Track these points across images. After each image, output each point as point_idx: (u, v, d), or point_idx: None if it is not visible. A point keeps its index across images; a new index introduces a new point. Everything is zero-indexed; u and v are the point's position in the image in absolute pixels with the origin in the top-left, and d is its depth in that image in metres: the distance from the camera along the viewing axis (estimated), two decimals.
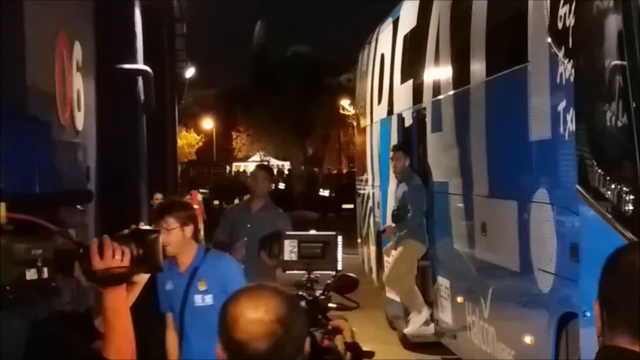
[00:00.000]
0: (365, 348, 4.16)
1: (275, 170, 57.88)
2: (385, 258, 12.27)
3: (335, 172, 58.05)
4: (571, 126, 6.31)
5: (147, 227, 3.19)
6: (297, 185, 51.03)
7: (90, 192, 9.52)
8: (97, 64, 10.89)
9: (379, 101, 14.23)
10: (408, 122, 12.10)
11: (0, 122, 6.30)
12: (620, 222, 5.64)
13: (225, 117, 64.94)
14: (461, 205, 9.46)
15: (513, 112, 7.77)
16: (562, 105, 6.47)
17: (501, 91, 8.23)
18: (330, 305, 4.52)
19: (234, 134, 62.64)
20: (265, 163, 38.59)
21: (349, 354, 3.99)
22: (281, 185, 52.90)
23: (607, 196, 5.78)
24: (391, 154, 11.68)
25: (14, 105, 6.88)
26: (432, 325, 11.00)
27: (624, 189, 5.64)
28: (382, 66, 14.19)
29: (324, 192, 49.38)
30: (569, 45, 6.37)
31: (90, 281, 2.91)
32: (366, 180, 15.56)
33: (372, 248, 14.45)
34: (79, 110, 9.60)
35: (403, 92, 12.41)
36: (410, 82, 11.96)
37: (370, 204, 15.00)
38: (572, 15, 6.32)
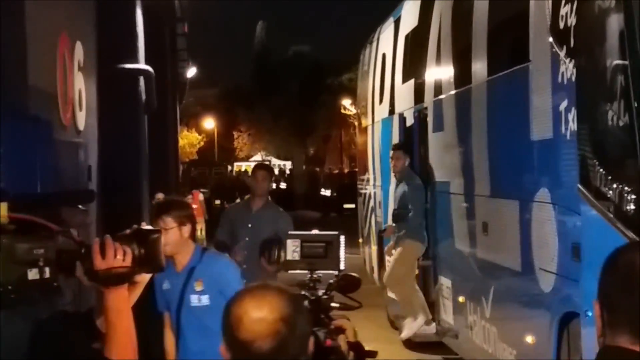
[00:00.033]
0: (367, 348, 4.16)
1: (276, 170, 57.95)
2: (387, 258, 12.28)
3: (336, 171, 58.10)
4: (573, 126, 6.30)
5: (149, 227, 3.19)
6: (298, 185, 51.04)
7: (92, 192, 9.52)
8: (98, 64, 10.88)
9: (381, 101, 14.23)
10: (409, 121, 12.10)
11: (2, 121, 6.30)
12: (622, 222, 5.64)
13: (226, 117, 64.94)
14: (463, 205, 9.46)
15: (514, 112, 7.76)
16: (563, 105, 6.47)
17: (503, 91, 8.23)
18: (332, 304, 4.52)
19: (236, 134, 62.62)
20: (267, 162, 38.62)
21: (351, 354, 3.99)
22: (283, 185, 52.93)
23: (608, 196, 5.78)
24: (391, 153, 11.68)
25: (16, 105, 6.87)
26: (434, 325, 11.00)
27: (626, 188, 5.64)
28: (383, 66, 14.19)
29: (326, 192, 49.39)
30: (571, 45, 6.37)
31: (92, 281, 2.91)
32: (368, 180, 15.56)
33: (374, 248, 14.45)
34: (81, 110, 9.60)
35: (404, 92, 12.41)
36: (412, 81, 11.96)
37: (371, 203, 15.00)
38: (573, 14, 6.32)
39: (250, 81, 57.42)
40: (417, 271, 11.41)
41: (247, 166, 60.74)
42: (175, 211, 5.65)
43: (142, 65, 14.02)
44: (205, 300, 5.67)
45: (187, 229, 5.66)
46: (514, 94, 7.78)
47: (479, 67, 8.78)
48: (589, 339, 5.83)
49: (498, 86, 8.30)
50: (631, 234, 5.49)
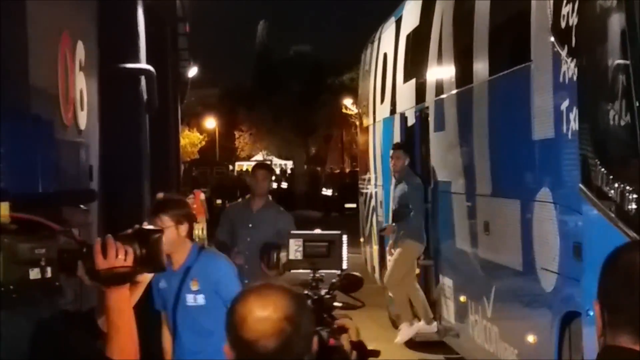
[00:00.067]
0: (369, 347, 4.16)
1: (278, 170, 57.95)
2: (388, 257, 12.28)
3: (338, 171, 58.07)
4: (574, 125, 6.30)
5: (150, 227, 3.19)
6: (299, 185, 51.04)
7: (93, 192, 9.51)
8: (100, 64, 10.87)
9: (382, 100, 14.23)
10: (411, 121, 12.10)
11: (3, 121, 6.29)
12: (624, 221, 5.65)
13: (227, 117, 64.96)
14: (464, 204, 9.46)
15: (516, 111, 7.76)
16: (565, 104, 6.47)
17: (504, 90, 8.23)
18: (335, 304, 4.52)
19: (237, 133, 62.64)
20: (268, 162, 38.59)
21: (354, 353, 3.98)
22: (284, 185, 52.93)
23: (610, 195, 5.78)
24: (391, 152, 11.67)
25: (17, 105, 6.87)
26: (435, 324, 11.00)
27: (627, 188, 5.64)
28: (384, 65, 14.19)
29: (327, 192, 49.38)
30: (572, 44, 6.37)
31: (94, 281, 2.91)
32: (369, 180, 15.56)
33: (375, 247, 14.45)
34: (82, 109, 9.59)
35: (406, 92, 12.41)
36: (413, 81, 11.96)
37: (373, 203, 15.00)
38: (575, 14, 6.32)
39: (252, 81, 57.50)
40: (417, 271, 11.42)
41: (248, 166, 60.78)
42: (173, 210, 5.62)
43: (143, 64, 14.01)
44: (200, 300, 5.64)
45: (184, 228, 5.63)
46: (516, 94, 7.77)
47: (481, 67, 8.78)
48: (591, 338, 5.83)
49: (499, 86, 8.29)
50: (632, 234, 5.49)
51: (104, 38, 11.22)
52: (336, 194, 45.86)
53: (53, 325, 2.87)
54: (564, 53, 6.48)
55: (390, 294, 12.19)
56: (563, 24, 6.51)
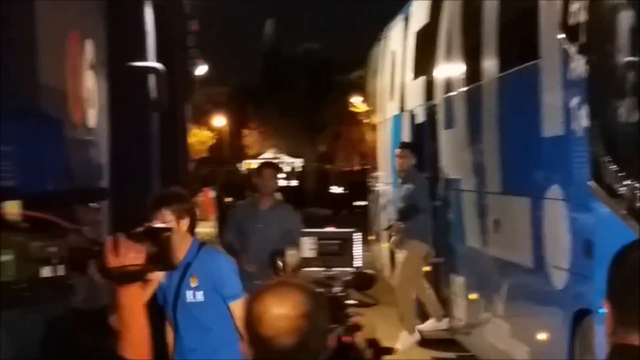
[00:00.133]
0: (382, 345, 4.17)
1: (287, 168, 57.96)
2: (396, 252, 12.26)
3: (347, 169, 58.05)
4: (584, 122, 6.29)
5: (161, 225, 3.19)
6: (309, 182, 51.05)
7: (104, 190, 9.53)
8: (108, 62, 10.89)
9: (391, 98, 14.23)
10: (420, 119, 12.09)
11: (13, 120, 6.31)
12: (634, 218, 5.64)
13: (236, 115, 64.96)
14: (474, 202, 9.45)
15: (525, 109, 7.75)
16: (574, 102, 6.46)
17: (513, 88, 8.22)
18: (348, 302, 4.52)
19: (246, 131, 62.64)
20: (275, 160, 38.58)
21: (369, 351, 3.99)
22: (293, 182, 52.94)
23: (620, 192, 5.77)
24: (398, 151, 11.60)
25: (26, 104, 6.88)
26: (445, 321, 10.99)
27: (637, 184, 5.63)
28: (393, 63, 14.18)
29: (336, 189, 49.36)
30: (581, 42, 6.35)
31: (105, 279, 2.92)
32: (378, 177, 15.56)
33: (384, 245, 14.44)
34: (91, 108, 9.61)
35: (415, 89, 12.40)
36: (422, 79, 11.95)
37: (382, 201, 14.99)
38: (584, 11, 6.31)
39: (260, 79, 57.51)
40: (427, 268, 11.38)
41: (257, 164, 60.78)
42: (174, 204, 5.52)
43: (152, 63, 14.03)
44: (199, 296, 5.60)
45: (185, 223, 5.53)
46: (525, 91, 7.76)
47: (490, 64, 8.77)
48: (602, 336, 5.82)
49: (508, 83, 8.28)
50: None
51: (113, 37, 11.24)
52: (345, 191, 45.84)
53: (65, 322, 2.88)
54: (573, 50, 6.47)
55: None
56: (572, 21, 6.50)
